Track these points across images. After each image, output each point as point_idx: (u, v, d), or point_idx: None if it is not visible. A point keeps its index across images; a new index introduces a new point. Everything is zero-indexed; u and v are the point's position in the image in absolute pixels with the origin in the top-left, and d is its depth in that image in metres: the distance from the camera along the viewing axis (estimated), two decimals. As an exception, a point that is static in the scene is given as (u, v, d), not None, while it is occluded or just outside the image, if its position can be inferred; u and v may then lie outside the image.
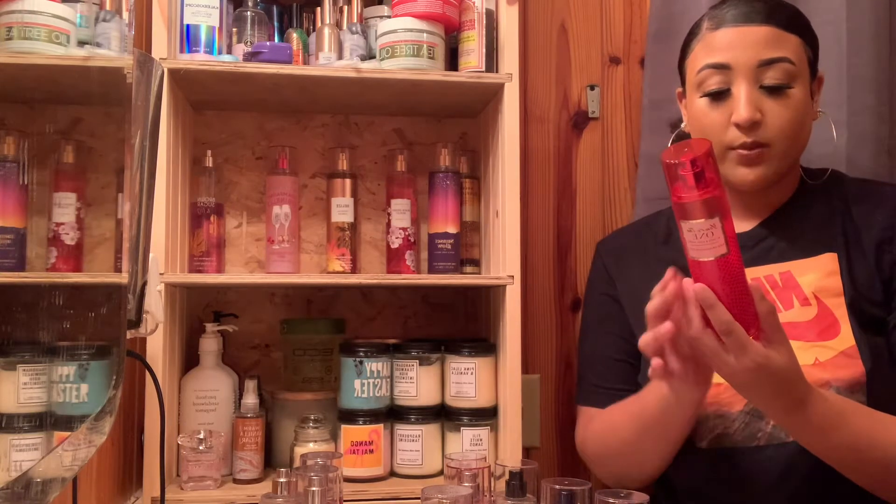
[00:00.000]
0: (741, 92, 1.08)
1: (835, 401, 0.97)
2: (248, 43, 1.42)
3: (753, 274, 1.11)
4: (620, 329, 1.25)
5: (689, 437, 1.09)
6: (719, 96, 1.10)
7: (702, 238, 0.86)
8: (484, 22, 1.39)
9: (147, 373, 1.15)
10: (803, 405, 0.94)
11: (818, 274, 1.10)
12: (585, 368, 1.30)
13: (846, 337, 1.05)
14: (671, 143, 1.24)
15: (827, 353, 1.04)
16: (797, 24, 1.12)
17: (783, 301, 1.10)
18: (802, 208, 1.16)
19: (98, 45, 0.94)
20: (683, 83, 1.20)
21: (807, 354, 1.04)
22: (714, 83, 1.10)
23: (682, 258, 1.15)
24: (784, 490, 1.05)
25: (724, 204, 0.86)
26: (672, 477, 1.15)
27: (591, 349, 1.30)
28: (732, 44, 1.09)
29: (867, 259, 1.10)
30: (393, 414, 1.39)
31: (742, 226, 1.17)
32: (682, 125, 1.23)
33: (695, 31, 1.16)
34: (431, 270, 1.45)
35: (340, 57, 1.43)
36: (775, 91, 1.08)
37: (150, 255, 0.90)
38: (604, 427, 1.20)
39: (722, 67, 1.09)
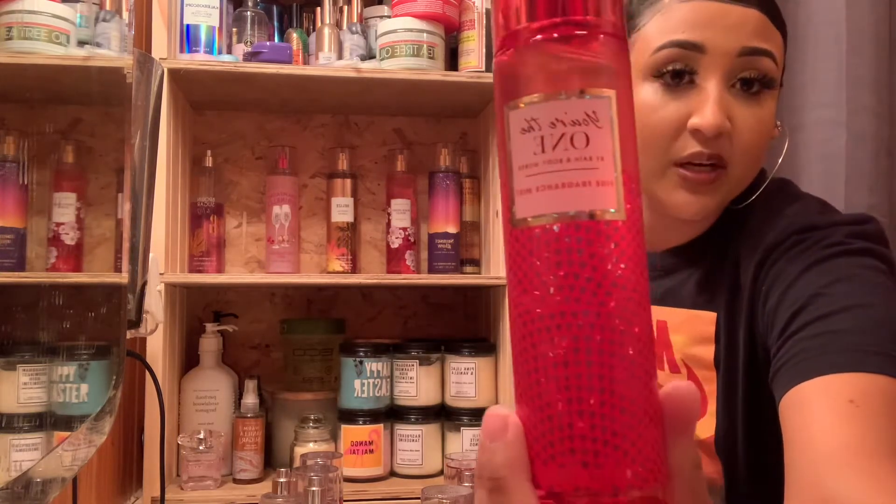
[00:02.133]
0: (711, 87, 0.78)
1: None
2: (248, 43, 1.42)
3: None
4: None
5: None
6: (678, 83, 0.79)
7: (554, 152, 0.33)
8: (484, 22, 1.39)
9: (147, 373, 1.15)
10: None
11: (689, 336, 0.86)
12: None
13: (709, 422, 0.83)
14: None
15: None
16: (782, 23, 0.86)
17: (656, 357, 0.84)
18: (710, 242, 0.88)
19: (98, 45, 0.94)
20: None
21: None
22: (677, 66, 0.79)
23: None
24: None
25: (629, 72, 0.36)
26: None
27: None
28: (711, 20, 0.79)
29: (743, 320, 0.82)
30: (393, 414, 1.39)
31: (649, 246, 0.87)
32: None
33: None
34: (431, 270, 1.45)
35: (340, 57, 1.43)
36: (750, 91, 0.81)
37: (150, 255, 0.90)
38: None
39: (692, 48, 0.78)
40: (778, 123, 0.89)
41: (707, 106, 0.78)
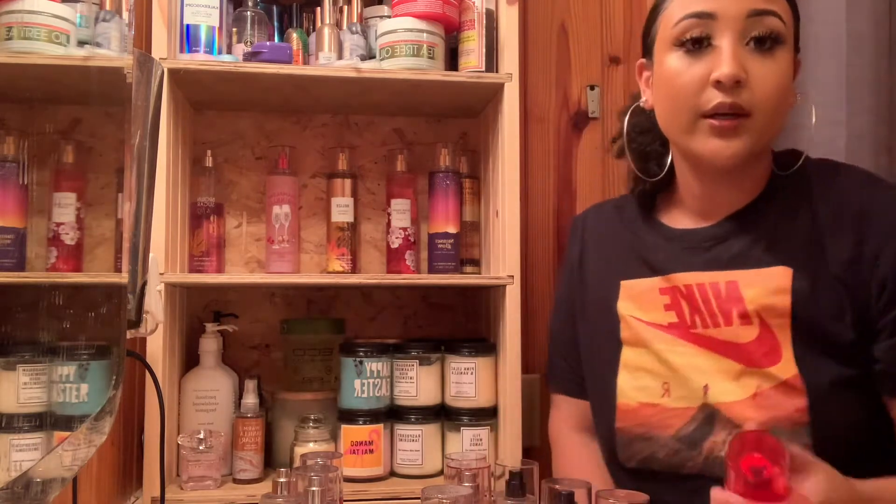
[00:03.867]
0: (725, 44, 0.93)
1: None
2: (248, 43, 1.42)
3: (699, 279, 1.01)
4: None
5: (616, 456, 1.04)
6: (698, 48, 0.95)
7: None
8: (484, 22, 1.39)
9: (147, 373, 1.15)
10: None
11: (764, 289, 0.97)
12: (553, 350, 1.23)
13: (788, 364, 0.94)
14: (627, 119, 1.11)
15: (768, 382, 0.95)
16: None
17: (723, 314, 0.99)
18: (767, 207, 1.02)
19: (98, 45, 0.94)
20: (649, 51, 1.05)
21: (746, 384, 0.96)
22: (695, 32, 0.95)
23: (650, 251, 1.07)
24: None
25: None
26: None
27: (558, 330, 1.22)
28: None
29: (830, 277, 0.95)
30: (393, 414, 1.39)
31: (702, 221, 1.05)
32: (642, 101, 1.08)
33: None
34: (431, 270, 1.45)
35: (340, 57, 1.43)
36: (763, 48, 0.94)
37: (150, 255, 0.90)
38: (565, 449, 1.18)
39: (706, 17, 0.94)
40: (798, 94, 1.01)
41: (724, 60, 0.92)
